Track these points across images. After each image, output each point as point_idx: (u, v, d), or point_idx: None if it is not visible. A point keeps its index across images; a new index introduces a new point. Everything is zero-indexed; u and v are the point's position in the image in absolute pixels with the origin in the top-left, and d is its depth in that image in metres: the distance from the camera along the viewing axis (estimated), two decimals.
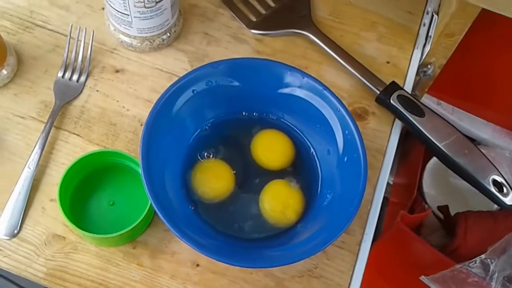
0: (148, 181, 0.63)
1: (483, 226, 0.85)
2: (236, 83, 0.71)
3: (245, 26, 0.83)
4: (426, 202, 0.94)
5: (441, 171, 0.97)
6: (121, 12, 0.74)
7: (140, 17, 0.74)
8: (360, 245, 0.72)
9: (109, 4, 0.74)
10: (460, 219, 0.86)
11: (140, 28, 0.76)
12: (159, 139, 0.66)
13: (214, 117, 0.72)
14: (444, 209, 0.90)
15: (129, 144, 0.75)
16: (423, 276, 0.83)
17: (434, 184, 0.97)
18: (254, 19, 0.83)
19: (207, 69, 0.70)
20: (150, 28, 0.76)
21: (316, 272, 0.70)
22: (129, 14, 0.73)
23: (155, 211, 0.67)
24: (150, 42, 0.79)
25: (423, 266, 0.87)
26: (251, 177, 0.71)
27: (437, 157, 0.74)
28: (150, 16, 0.74)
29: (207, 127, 0.72)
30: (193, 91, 0.70)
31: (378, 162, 0.75)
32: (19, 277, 0.70)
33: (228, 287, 0.69)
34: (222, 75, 0.70)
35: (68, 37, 0.80)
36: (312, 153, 0.71)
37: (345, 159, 0.66)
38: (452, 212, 0.90)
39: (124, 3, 0.71)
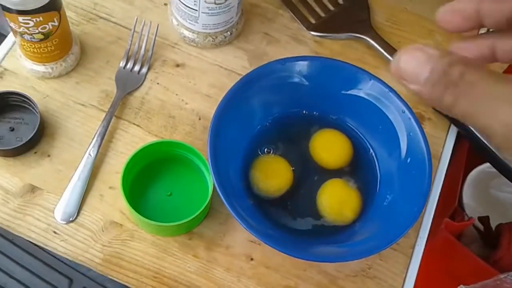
0: (215, 167, 0.64)
1: None
2: (302, 81, 0.72)
3: (304, 28, 0.84)
4: (465, 213, 0.94)
5: (482, 182, 0.98)
6: (189, 7, 0.75)
7: (208, 13, 0.75)
8: (413, 248, 0.72)
9: None
10: (504, 229, 0.86)
11: (205, 24, 0.77)
12: (225, 134, 0.68)
13: (276, 113, 0.73)
14: (484, 220, 0.90)
15: (186, 136, 0.76)
16: (462, 286, 0.83)
17: (475, 195, 0.97)
18: (313, 21, 0.84)
19: (276, 65, 0.71)
20: (215, 24, 0.77)
21: (370, 272, 0.70)
22: (197, 9, 0.74)
23: (212, 202, 0.70)
24: (213, 38, 0.80)
25: (464, 275, 0.86)
26: (309, 175, 0.72)
27: (491, 163, 0.74)
28: (217, 12, 0.75)
29: (268, 123, 0.73)
30: (259, 86, 0.70)
31: (433, 167, 0.75)
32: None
33: (281, 282, 0.69)
34: (289, 72, 0.71)
35: (133, 29, 0.81)
36: (372, 154, 0.72)
37: (408, 160, 0.67)
38: (492, 224, 0.90)
39: None
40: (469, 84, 0.35)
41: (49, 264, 0.87)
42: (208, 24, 0.77)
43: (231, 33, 0.81)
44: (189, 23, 0.77)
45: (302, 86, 0.72)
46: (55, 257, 0.83)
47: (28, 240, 0.72)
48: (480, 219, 0.90)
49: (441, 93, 0.36)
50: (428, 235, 0.70)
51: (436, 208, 0.72)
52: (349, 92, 0.70)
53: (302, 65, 0.71)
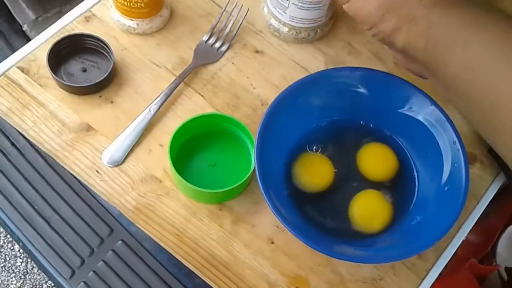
0: (259, 154, 0.68)
1: None
2: (365, 92, 0.75)
3: (388, 48, 0.87)
4: (495, 261, 0.95)
5: None
6: None
7: (298, 5, 0.80)
8: (428, 272, 0.73)
9: None
10: None
11: (293, 16, 0.82)
12: (279, 122, 0.71)
13: (334, 117, 0.76)
14: (511, 270, 0.91)
15: (245, 118, 0.80)
16: None
17: (510, 247, 0.97)
18: None
19: (344, 72, 0.75)
20: (303, 19, 0.82)
21: (380, 283, 0.72)
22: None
23: (250, 182, 0.73)
24: (296, 32, 0.85)
25: None
26: (350, 181, 0.74)
27: None
28: (307, 7, 0.80)
29: (324, 124, 0.76)
30: (323, 86, 0.74)
31: (470, 206, 0.77)
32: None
33: (295, 270, 0.72)
34: (355, 80, 0.74)
35: (223, 8, 0.86)
36: (414, 175, 0.74)
37: (446, 188, 0.69)
38: None
39: None
40: None
41: (94, 209, 0.93)
42: (296, 17, 0.82)
43: (315, 33, 0.85)
44: (278, 12, 0.82)
45: (364, 97, 0.75)
46: (100, 203, 0.89)
47: (72, 175, 0.78)
48: (507, 269, 0.90)
49: None
50: (447, 265, 0.72)
51: (462, 243, 0.74)
52: (407, 112, 0.73)
53: (368, 77, 0.74)
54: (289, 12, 0.80)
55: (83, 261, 0.92)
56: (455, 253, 0.75)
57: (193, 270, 0.72)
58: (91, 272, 0.92)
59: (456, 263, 0.71)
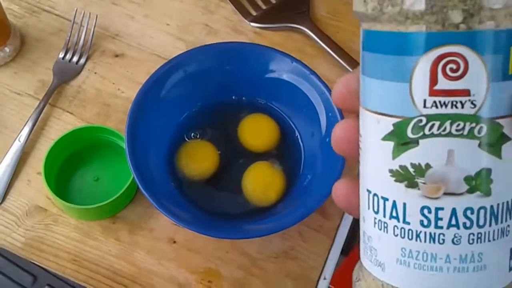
0: (131, 153, 0.63)
1: None
2: (227, 67, 0.70)
3: (245, 20, 0.83)
4: None
5: None
6: None
7: None
8: (337, 230, 0.70)
9: None
10: None
11: None
12: (147, 117, 0.66)
13: (204, 100, 0.72)
14: None
15: (119, 124, 0.75)
16: None
17: None
18: (254, 13, 0.84)
19: (198, 51, 0.70)
20: None
21: (292, 253, 0.68)
22: None
23: (138, 187, 0.68)
24: None
25: None
26: (236, 158, 0.70)
27: None
28: None
29: (196, 109, 0.72)
30: (184, 71, 0.69)
31: None
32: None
33: (203, 264, 0.68)
34: (213, 58, 0.70)
35: (72, 21, 0.81)
36: (297, 136, 0.70)
37: (327, 139, 0.65)
38: None
39: None
40: None
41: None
42: None
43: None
44: None
45: (227, 72, 0.70)
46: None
47: None
48: None
49: None
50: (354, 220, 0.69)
51: None
52: (273, 75, 0.69)
53: (224, 51, 0.70)
54: None
55: None
56: None
57: None
58: None
59: None
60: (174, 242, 0.68)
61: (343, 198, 0.36)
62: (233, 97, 0.72)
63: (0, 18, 0.74)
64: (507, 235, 0.31)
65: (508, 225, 0.31)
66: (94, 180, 0.71)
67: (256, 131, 0.71)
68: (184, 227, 0.60)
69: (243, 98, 0.72)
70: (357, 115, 0.34)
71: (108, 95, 0.77)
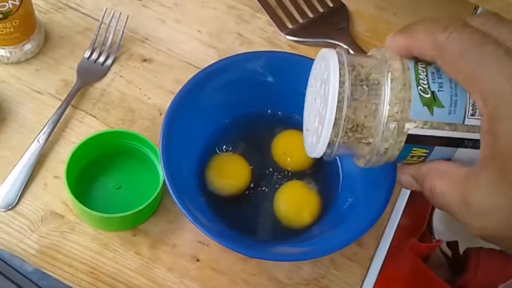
0: (166, 160, 0.57)
1: (494, 263, 0.76)
2: (267, 78, 0.65)
3: (280, 32, 0.77)
4: (434, 237, 0.86)
5: None
6: None
7: None
8: (372, 259, 0.63)
9: None
10: (472, 254, 0.77)
11: None
12: (181, 125, 0.60)
13: (238, 111, 0.66)
14: (453, 245, 0.82)
15: (144, 131, 0.68)
16: None
17: (444, 220, 0.89)
18: (290, 26, 0.78)
19: (239, 59, 0.64)
20: None
21: (323, 282, 0.62)
22: None
23: (160, 200, 0.63)
24: None
25: None
26: (269, 176, 0.64)
27: None
28: None
29: (228, 121, 0.66)
30: (221, 80, 0.64)
31: None
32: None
33: (228, 286, 0.61)
34: (253, 67, 0.64)
35: (101, 20, 0.74)
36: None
37: None
38: (461, 250, 0.82)
39: None
40: None
41: None
42: None
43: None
44: None
45: (267, 84, 0.65)
46: (4, 261, 0.73)
47: None
48: (449, 244, 0.82)
49: None
50: (389, 250, 0.62)
51: (400, 223, 0.64)
52: None
53: (267, 60, 0.64)
54: None
55: None
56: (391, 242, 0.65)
57: None
58: None
59: (393, 251, 0.61)
60: (198, 260, 0.62)
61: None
62: (268, 111, 0.66)
63: (28, 11, 0.68)
64: None
65: None
66: (116, 188, 0.65)
67: (291, 148, 0.64)
68: (215, 241, 0.54)
69: (279, 112, 0.66)
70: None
71: (134, 100, 0.70)
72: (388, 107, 0.42)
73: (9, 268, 0.66)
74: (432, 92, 0.42)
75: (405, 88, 0.42)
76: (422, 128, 0.43)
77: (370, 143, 0.44)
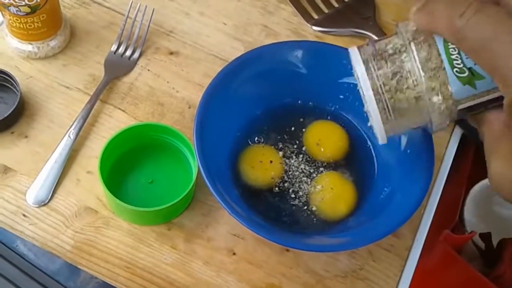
0: (201, 153, 0.56)
1: None
2: (298, 68, 0.64)
3: (306, 23, 0.76)
4: (466, 230, 0.85)
5: (485, 198, 0.88)
6: None
7: None
8: (409, 250, 0.62)
9: None
10: (508, 244, 0.76)
11: None
12: (213, 117, 0.60)
13: (268, 102, 0.65)
14: (486, 237, 0.81)
15: (174, 124, 0.67)
16: None
17: (477, 211, 0.87)
18: (316, 16, 0.77)
19: (269, 49, 0.63)
20: None
21: (361, 273, 0.61)
22: None
23: (195, 193, 0.62)
24: None
25: None
26: (300, 167, 0.63)
27: None
28: None
29: (260, 112, 0.65)
30: (251, 71, 0.63)
31: (435, 168, 0.67)
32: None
33: (264, 279, 0.60)
34: (284, 57, 0.64)
35: (126, 14, 0.73)
36: (369, 146, 0.63)
37: (408, 151, 0.58)
38: (494, 242, 0.81)
39: None
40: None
41: (23, 269, 0.75)
42: None
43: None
44: None
45: (298, 74, 0.64)
46: (29, 262, 0.71)
47: None
48: (482, 235, 0.80)
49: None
50: (425, 242, 0.61)
51: (435, 212, 0.63)
52: (346, 80, 0.62)
53: (299, 49, 0.63)
54: None
55: None
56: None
57: None
58: None
59: (427, 243, 0.60)
60: (234, 253, 0.61)
61: None
62: (299, 102, 0.65)
63: (54, 5, 0.67)
64: None
65: None
66: (149, 182, 0.64)
67: (324, 139, 0.64)
68: (253, 232, 0.53)
69: (310, 103, 0.65)
70: None
71: (162, 94, 0.69)
72: (427, 96, 0.44)
73: (34, 269, 0.64)
74: (469, 69, 0.42)
75: (437, 76, 0.43)
76: (468, 102, 0.44)
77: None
